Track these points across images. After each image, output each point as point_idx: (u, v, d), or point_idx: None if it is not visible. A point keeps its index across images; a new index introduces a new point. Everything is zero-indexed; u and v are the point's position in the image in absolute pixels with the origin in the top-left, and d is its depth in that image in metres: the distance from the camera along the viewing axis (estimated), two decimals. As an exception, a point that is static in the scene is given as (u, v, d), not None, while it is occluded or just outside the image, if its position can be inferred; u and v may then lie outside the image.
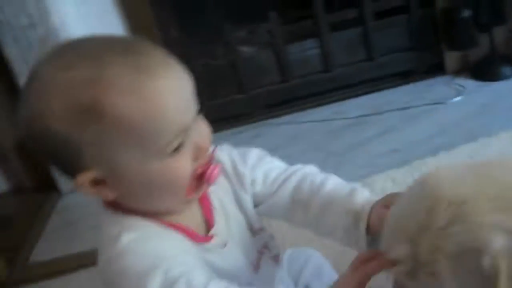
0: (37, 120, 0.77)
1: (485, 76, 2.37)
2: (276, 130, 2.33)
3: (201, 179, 0.86)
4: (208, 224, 0.95)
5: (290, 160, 2.00)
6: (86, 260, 1.66)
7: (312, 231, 1.03)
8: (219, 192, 0.98)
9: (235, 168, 1.01)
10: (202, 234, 0.93)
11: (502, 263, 0.68)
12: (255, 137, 2.30)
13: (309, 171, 1.04)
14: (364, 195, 0.96)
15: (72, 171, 0.80)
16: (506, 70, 2.35)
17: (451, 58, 2.44)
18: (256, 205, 1.03)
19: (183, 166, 0.82)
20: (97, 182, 0.80)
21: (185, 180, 0.83)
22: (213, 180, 0.87)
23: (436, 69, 2.48)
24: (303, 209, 1.00)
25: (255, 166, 1.02)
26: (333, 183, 1.00)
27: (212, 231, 0.94)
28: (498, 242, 0.68)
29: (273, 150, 2.19)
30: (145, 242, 0.82)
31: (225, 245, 0.95)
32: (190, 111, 0.82)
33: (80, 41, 0.81)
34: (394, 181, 1.73)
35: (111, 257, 0.82)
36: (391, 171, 1.79)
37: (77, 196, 2.15)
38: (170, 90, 0.78)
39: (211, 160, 0.88)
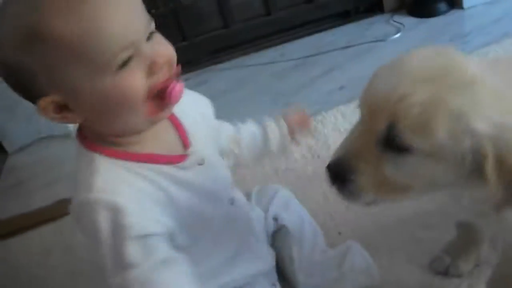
0: None
1: (421, 13, 2.43)
2: (222, 75, 2.34)
3: (163, 96, 0.85)
4: (185, 143, 0.97)
5: (240, 103, 2.03)
6: (46, 215, 1.65)
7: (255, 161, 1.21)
8: (190, 113, 1.00)
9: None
10: (178, 153, 0.95)
11: (488, 147, 0.74)
12: (201, 83, 2.30)
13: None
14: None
15: (34, 98, 0.81)
16: (441, 6, 2.42)
17: (389, -4, 2.49)
18: None
19: (134, 81, 0.81)
20: (60, 107, 0.82)
21: (139, 96, 0.82)
22: (175, 98, 0.86)
23: (374, 8, 2.52)
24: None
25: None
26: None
27: (188, 150, 0.96)
28: (483, 124, 0.74)
29: (221, 95, 2.21)
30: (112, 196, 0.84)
31: (203, 161, 0.98)
32: (136, 24, 0.81)
33: None
34: (344, 116, 1.78)
35: (83, 203, 0.84)
36: (340, 107, 1.83)
37: (24, 155, 2.11)
38: (107, 5, 0.78)
39: (173, 77, 0.87)
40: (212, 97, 1.08)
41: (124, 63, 0.80)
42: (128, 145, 0.89)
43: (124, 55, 0.79)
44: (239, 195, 1.13)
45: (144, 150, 0.90)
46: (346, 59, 2.22)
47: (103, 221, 0.82)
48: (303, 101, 1.98)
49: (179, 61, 0.88)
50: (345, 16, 2.53)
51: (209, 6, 2.40)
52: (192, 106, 1.02)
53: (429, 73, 0.77)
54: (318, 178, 1.54)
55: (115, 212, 0.82)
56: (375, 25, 2.45)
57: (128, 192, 0.85)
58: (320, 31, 2.49)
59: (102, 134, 0.88)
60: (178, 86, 0.86)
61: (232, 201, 1.08)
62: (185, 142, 0.98)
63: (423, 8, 2.43)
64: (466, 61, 0.80)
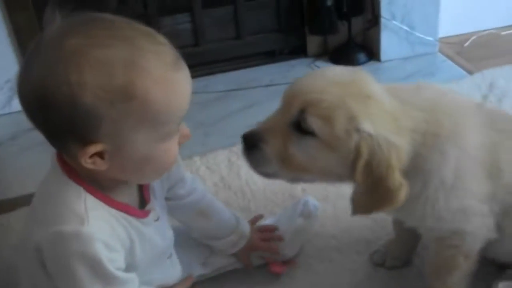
0: (62, 88, 0.78)
1: (342, 61, 2.54)
2: (145, 100, 2.35)
3: None
4: (144, 200, 1.03)
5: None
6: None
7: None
8: None
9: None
10: (136, 206, 1.01)
11: (364, 146, 0.92)
12: (123, 106, 2.30)
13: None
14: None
15: (79, 141, 0.83)
16: (360, 56, 2.56)
17: (313, 42, 2.61)
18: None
19: (176, 149, 0.93)
20: (98, 154, 0.85)
21: (175, 161, 0.95)
22: None
23: (299, 51, 2.63)
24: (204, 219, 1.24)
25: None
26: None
27: (148, 207, 1.02)
28: (368, 128, 0.92)
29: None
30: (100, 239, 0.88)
31: (158, 218, 1.05)
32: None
33: (103, 18, 0.86)
34: (259, 150, 1.84)
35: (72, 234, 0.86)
36: (256, 141, 1.89)
37: None
38: (187, 82, 0.90)
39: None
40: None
41: (174, 132, 0.90)
42: (107, 188, 0.94)
43: (177, 127, 0.91)
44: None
45: (117, 198, 0.95)
46: (266, 97, 2.30)
47: (99, 253, 0.87)
48: (221, 132, 2.04)
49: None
50: (270, 56, 2.62)
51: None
52: None
53: (339, 80, 0.97)
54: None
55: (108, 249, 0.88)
56: (297, 68, 2.55)
57: (110, 232, 0.90)
58: (245, 67, 2.57)
59: (97, 174, 0.90)
60: None
61: (170, 256, 1.14)
62: (146, 196, 1.04)
63: (344, 56, 2.56)
64: (370, 82, 1.00)
